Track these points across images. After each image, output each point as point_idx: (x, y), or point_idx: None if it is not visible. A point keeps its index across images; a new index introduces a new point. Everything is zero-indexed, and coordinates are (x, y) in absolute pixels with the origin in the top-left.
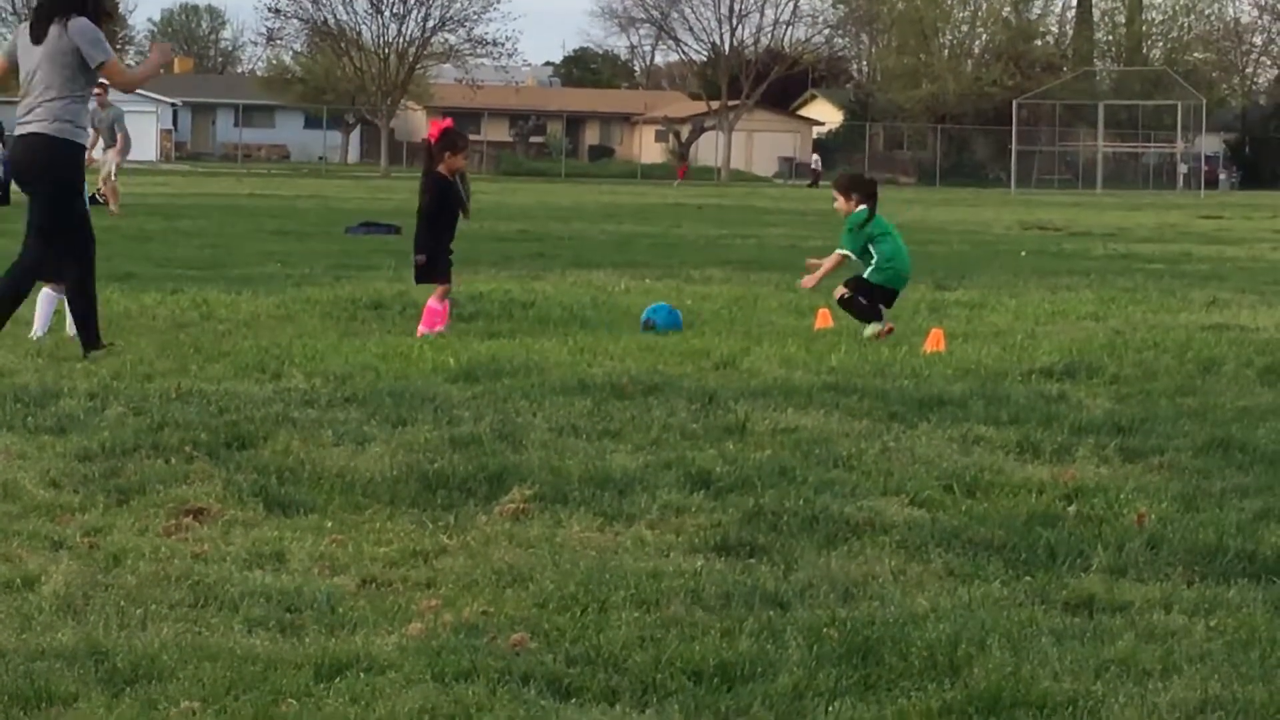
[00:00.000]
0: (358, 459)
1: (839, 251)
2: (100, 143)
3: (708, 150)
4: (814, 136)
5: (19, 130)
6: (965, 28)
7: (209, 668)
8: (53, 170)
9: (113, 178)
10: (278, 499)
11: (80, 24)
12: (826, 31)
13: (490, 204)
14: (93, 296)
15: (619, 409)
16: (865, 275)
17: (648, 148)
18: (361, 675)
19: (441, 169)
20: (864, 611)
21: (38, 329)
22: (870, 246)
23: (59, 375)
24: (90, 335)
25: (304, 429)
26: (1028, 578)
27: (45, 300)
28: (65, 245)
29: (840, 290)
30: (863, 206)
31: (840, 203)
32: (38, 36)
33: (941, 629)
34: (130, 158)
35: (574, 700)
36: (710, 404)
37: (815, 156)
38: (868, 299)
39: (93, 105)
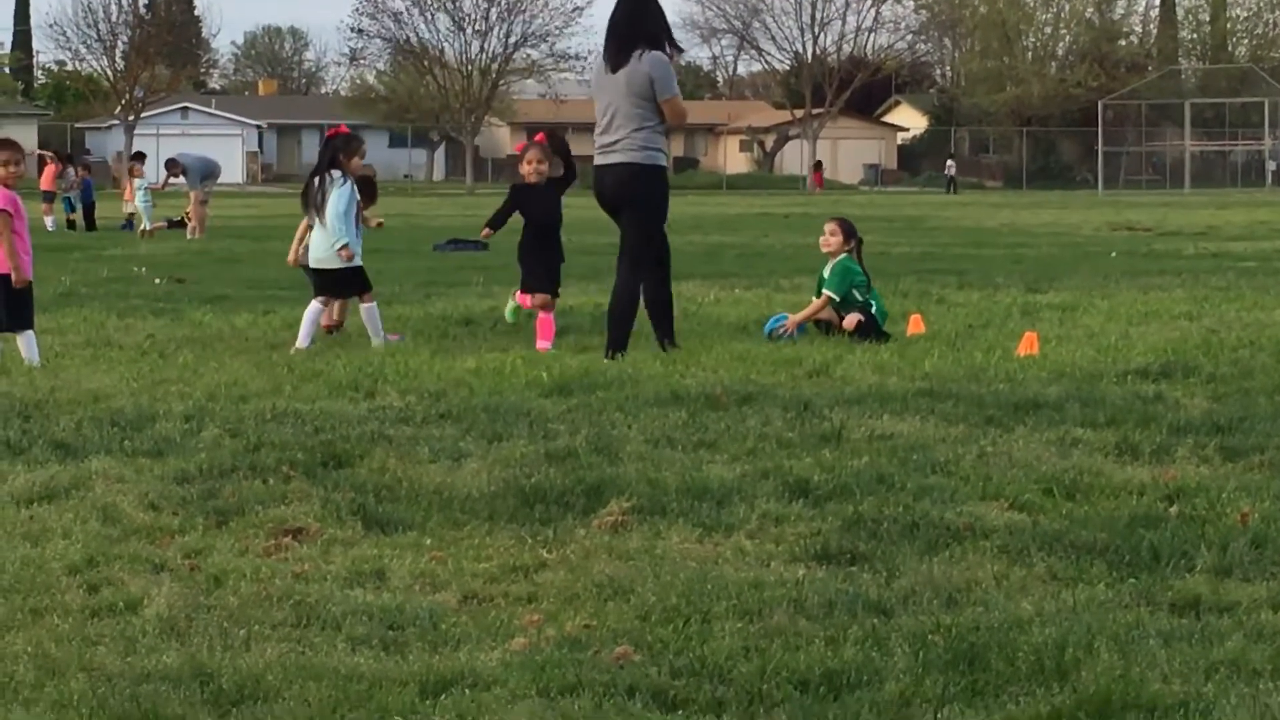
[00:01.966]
0: (455, 475)
1: (827, 293)
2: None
3: (792, 159)
4: (899, 143)
5: (604, 160)
6: (1049, 29)
7: (314, 687)
8: (645, 197)
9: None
10: (376, 517)
11: (655, 57)
12: (909, 37)
13: (576, 218)
14: (670, 299)
15: (714, 419)
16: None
17: (732, 158)
18: (467, 692)
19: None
20: (968, 617)
21: (302, 340)
22: (856, 293)
23: (154, 398)
24: (668, 333)
25: (400, 446)
26: (1132, 580)
27: (309, 314)
28: (648, 259)
29: (855, 319)
30: (851, 252)
31: (835, 241)
32: (615, 65)
33: (1047, 633)
34: (218, 181)
35: (680, 712)
36: (805, 412)
37: (950, 163)
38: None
39: None
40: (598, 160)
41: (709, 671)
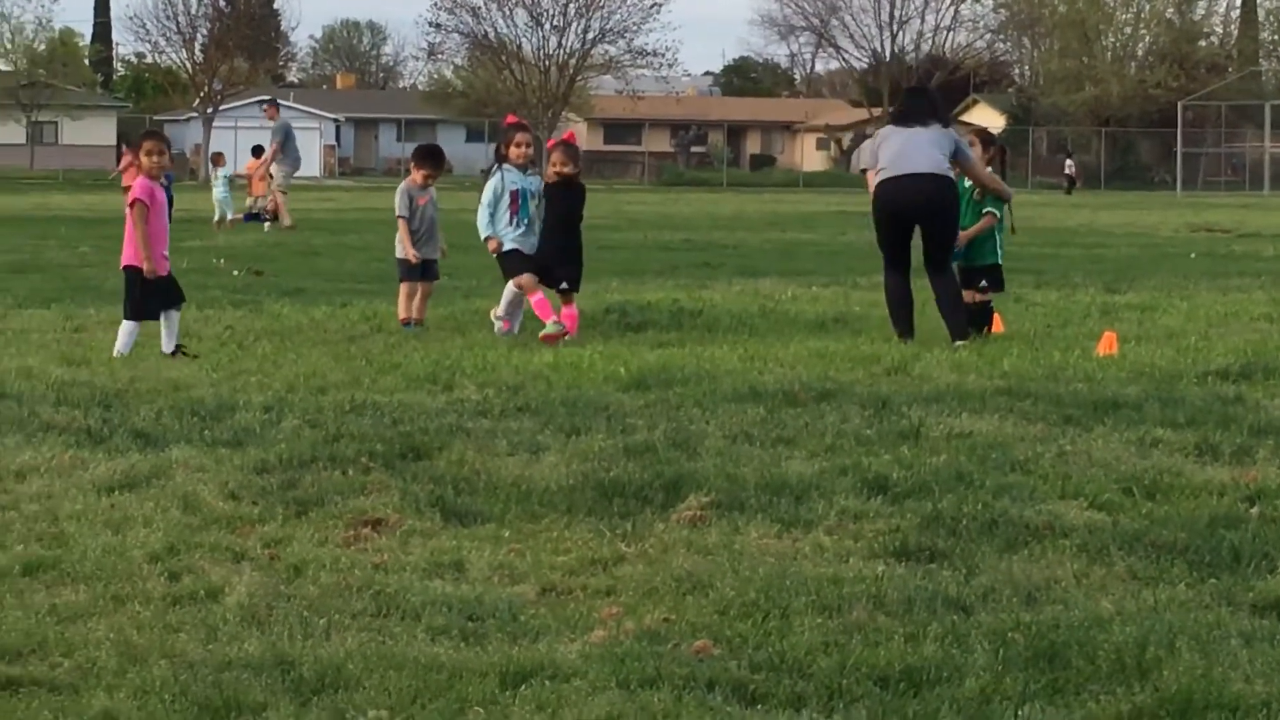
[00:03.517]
0: (533, 468)
1: (989, 211)
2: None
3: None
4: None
5: (917, 170)
6: (1128, 29)
7: (394, 676)
8: (954, 210)
9: (275, 191)
10: (455, 509)
11: (950, 133)
12: (988, 36)
13: (653, 214)
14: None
15: (792, 416)
16: (1000, 260)
17: (809, 156)
18: (546, 683)
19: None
20: (1048, 615)
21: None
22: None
23: (234, 389)
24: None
25: (478, 439)
26: (1213, 580)
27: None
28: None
29: (976, 295)
30: (993, 162)
31: (975, 153)
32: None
33: (1128, 632)
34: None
35: (760, 706)
36: (884, 410)
37: (1069, 161)
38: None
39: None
40: (906, 170)
41: (788, 666)
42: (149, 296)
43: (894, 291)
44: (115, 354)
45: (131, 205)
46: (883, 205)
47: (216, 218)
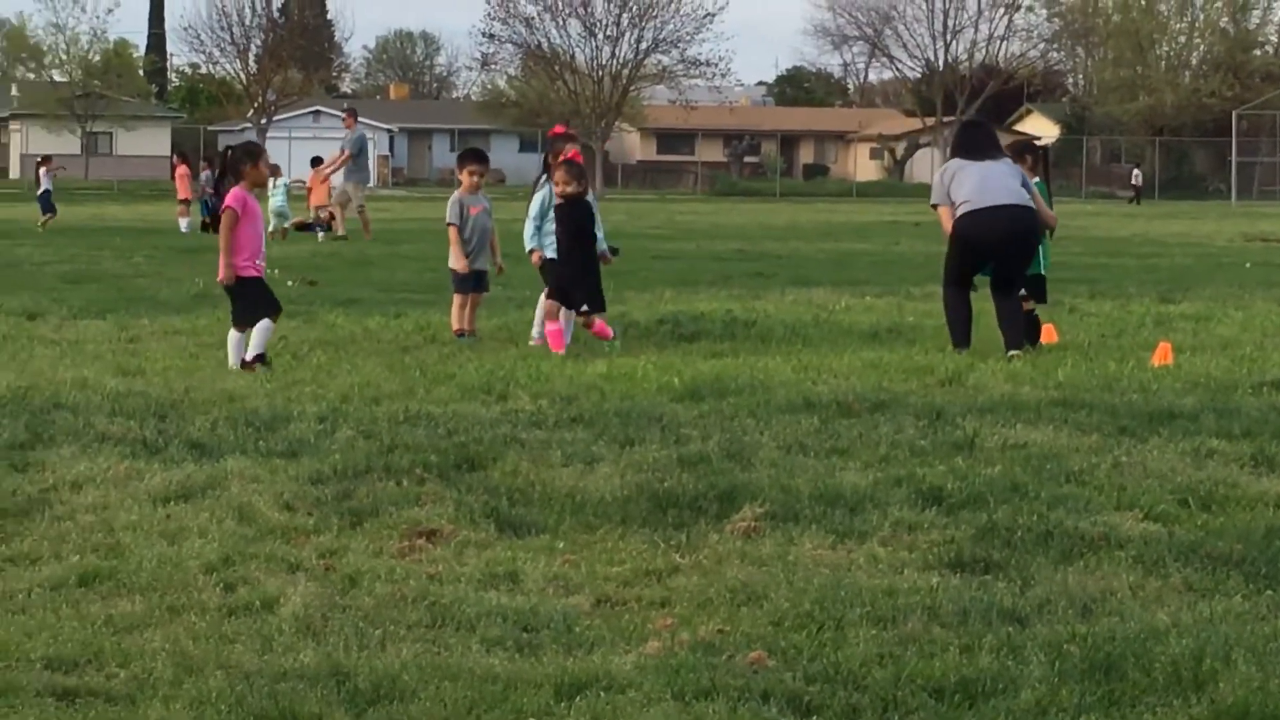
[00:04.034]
0: (587, 479)
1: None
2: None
3: (923, 167)
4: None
5: (1002, 202)
6: (1182, 39)
7: (450, 687)
8: (1035, 241)
9: (356, 206)
10: (509, 520)
11: (1018, 167)
12: (1042, 46)
13: (706, 224)
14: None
15: (846, 426)
16: (1043, 272)
17: (862, 166)
18: (602, 694)
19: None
20: (1104, 627)
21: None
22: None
23: (288, 399)
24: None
25: (532, 450)
26: (1269, 591)
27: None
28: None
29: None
30: (1033, 169)
31: (1028, 164)
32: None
33: (1184, 644)
34: (337, 183)
35: (815, 718)
36: (938, 420)
37: (1136, 171)
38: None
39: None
40: (991, 203)
41: (843, 678)
42: (251, 303)
43: (954, 303)
44: (231, 366)
45: (222, 212)
46: (968, 238)
47: (272, 228)
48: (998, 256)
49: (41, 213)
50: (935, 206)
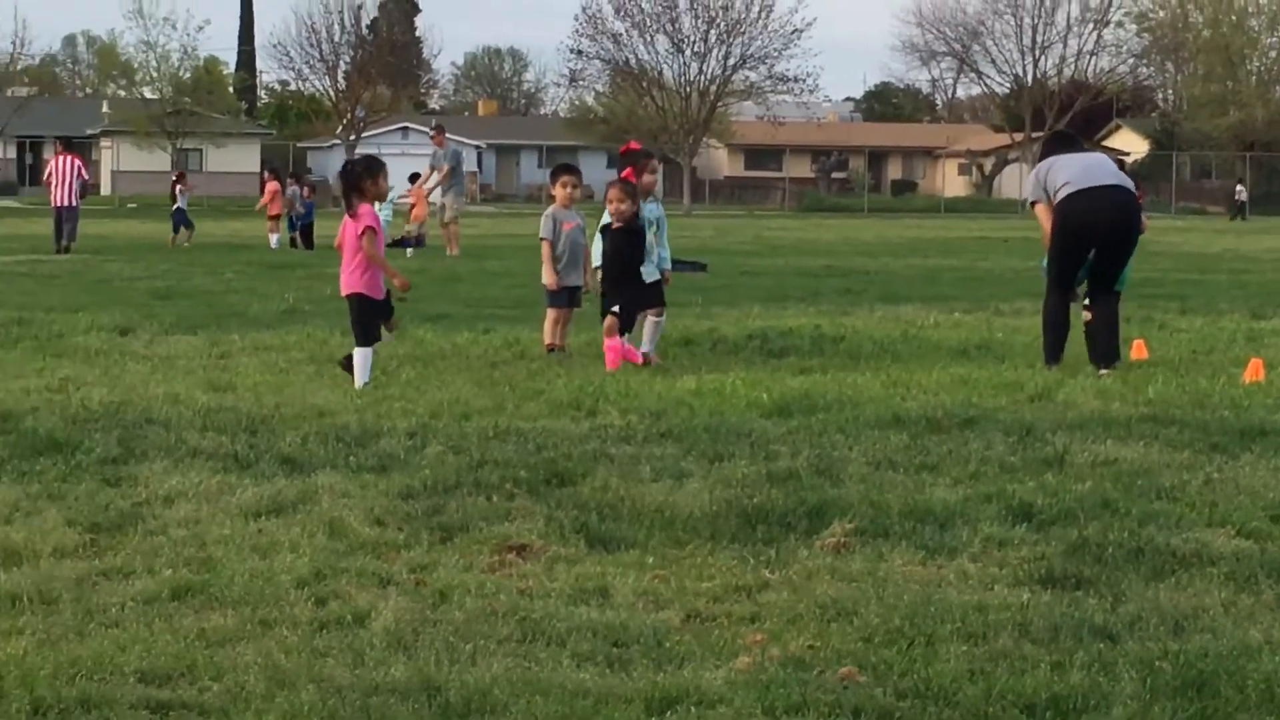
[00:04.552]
0: (676, 494)
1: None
2: (440, 185)
3: (1011, 183)
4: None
5: (1105, 183)
6: (1273, 53)
7: (540, 702)
8: (1138, 225)
9: (450, 220)
10: (599, 535)
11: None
12: (1131, 61)
13: (794, 240)
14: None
15: (935, 442)
16: (1120, 287)
17: (951, 181)
18: (692, 709)
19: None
20: (1196, 644)
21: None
22: None
23: (378, 415)
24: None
25: (622, 465)
26: None
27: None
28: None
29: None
30: None
31: None
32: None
33: (1277, 661)
34: (433, 199)
35: None
36: (1028, 436)
37: (1240, 187)
38: None
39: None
40: (1097, 182)
41: (934, 694)
42: (375, 320)
43: (1054, 313)
44: (358, 386)
45: (363, 233)
46: (1074, 218)
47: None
48: (1101, 242)
49: (174, 230)
50: (1033, 204)
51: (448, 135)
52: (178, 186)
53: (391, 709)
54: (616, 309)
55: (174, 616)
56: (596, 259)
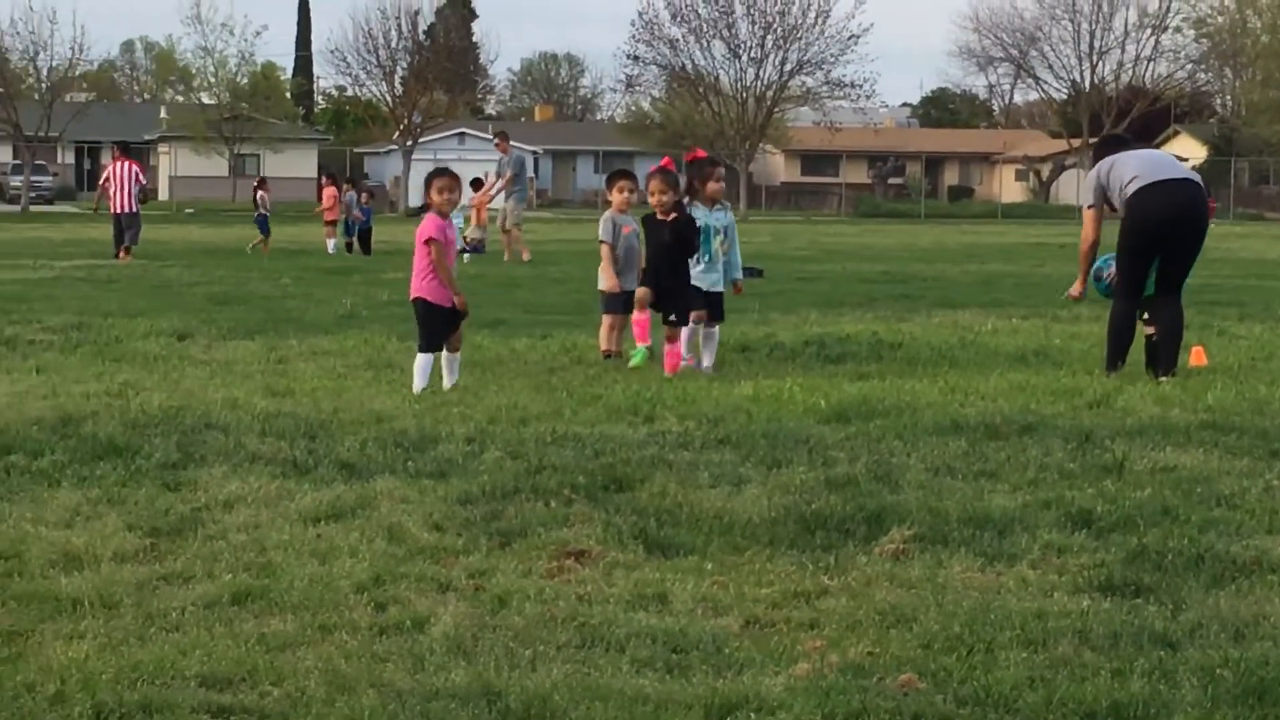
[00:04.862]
0: (735, 500)
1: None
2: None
3: (1068, 189)
4: None
5: (1174, 176)
6: None
7: (600, 708)
8: (1206, 221)
9: (511, 226)
10: (657, 541)
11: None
12: (1189, 67)
13: (851, 245)
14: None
15: (994, 449)
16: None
17: (1008, 187)
18: (752, 716)
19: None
20: (1257, 652)
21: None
22: None
23: (436, 420)
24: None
25: (680, 471)
26: None
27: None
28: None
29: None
30: None
31: None
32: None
33: None
34: (495, 205)
35: None
36: (1086, 443)
37: None
38: None
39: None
40: (1166, 176)
41: (994, 701)
42: (438, 328)
43: (1121, 319)
44: (416, 390)
45: (426, 244)
46: (1141, 215)
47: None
48: (1171, 238)
49: (260, 234)
50: (1088, 208)
51: (512, 143)
52: (259, 193)
53: (452, 714)
54: (674, 318)
55: (234, 621)
56: None
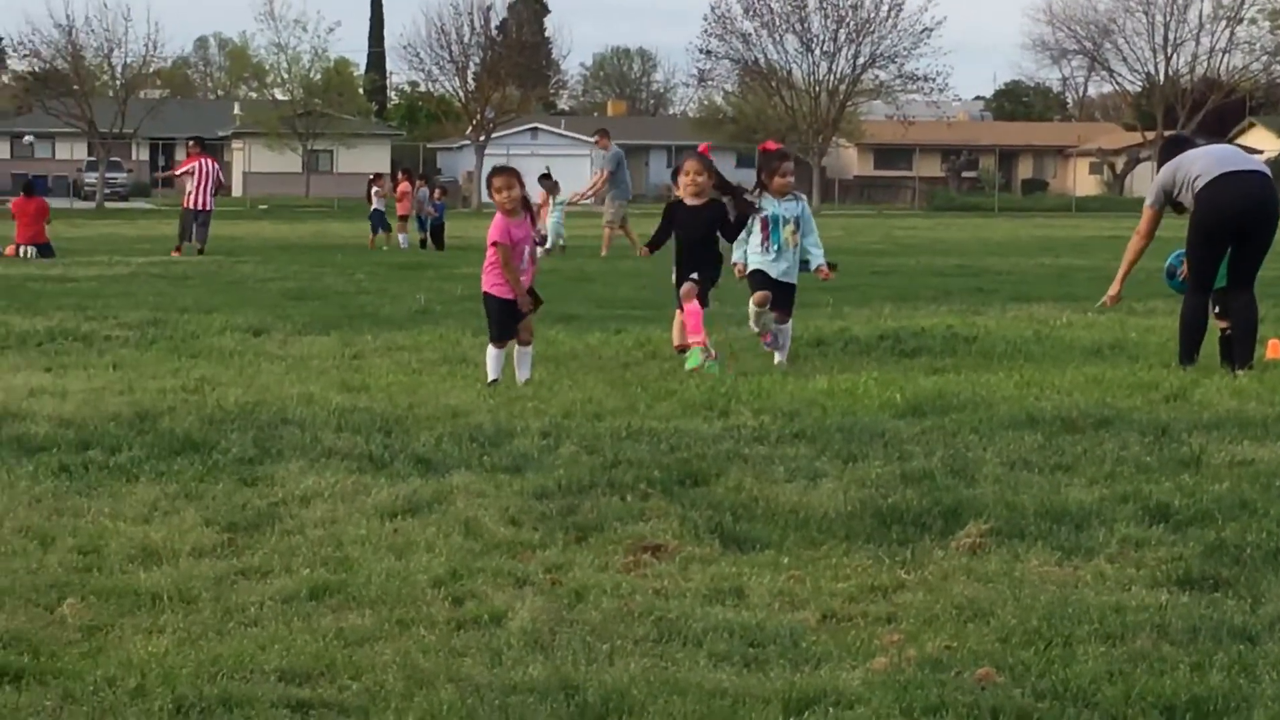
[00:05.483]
0: (810, 495)
1: None
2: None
3: (1143, 182)
4: None
5: (1243, 168)
6: None
7: (678, 702)
8: (1277, 215)
9: (610, 222)
10: (733, 535)
11: None
12: (1265, 58)
13: (925, 239)
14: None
15: (1070, 443)
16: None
17: (1082, 180)
18: (830, 710)
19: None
20: None
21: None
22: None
23: (511, 415)
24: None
25: (755, 465)
26: None
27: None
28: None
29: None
30: None
31: None
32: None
33: None
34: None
35: None
36: (1163, 437)
37: None
38: None
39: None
40: (1235, 168)
41: (1072, 695)
42: (505, 320)
43: (1193, 314)
44: (489, 382)
45: (492, 245)
46: (1215, 206)
47: (549, 245)
48: (1242, 231)
49: (371, 231)
50: (1149, 207)
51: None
52: (374, 188)
53: (530, 708)
54: (695, 275)
55: (312, 616)
56: (736, 254)
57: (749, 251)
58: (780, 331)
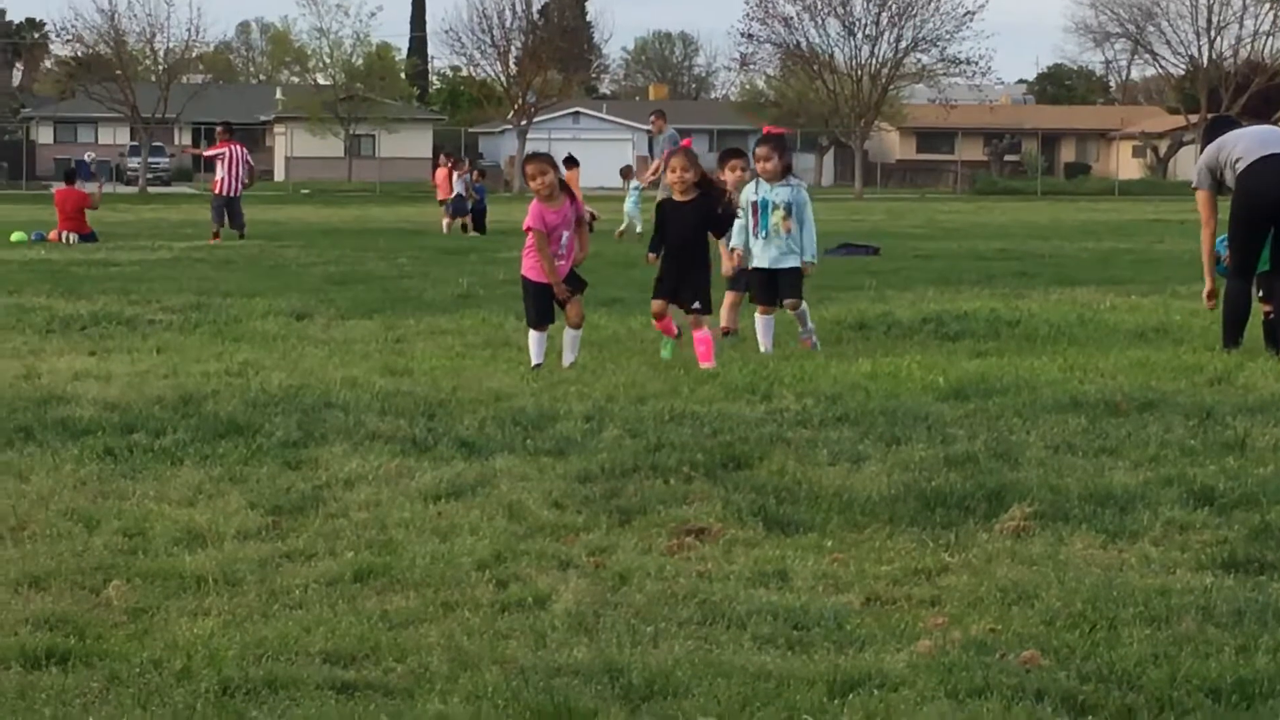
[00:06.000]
0: (854, 478)
1: None
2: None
3: (1186, 165)
4: None
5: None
6: None
7: (723, 684)
8: None
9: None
10: (777, 518)
11: None
12: None
13: (967, 223)
14: None
15: (1114, 426)
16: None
17: (1125, 164)
18: (875, 692)
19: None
20: None
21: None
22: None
23: (554, 398)
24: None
25: (798, 449)
26: None
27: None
28: None
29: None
30: None
31: None
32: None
33: None
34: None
35: (1090, 717)
36: (1208, 420)
37: None
38: None
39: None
40: (1275, 150)
41: (1117, 677)
42: (543, 304)
43: (1236, 298)
44: (532, 366)
45: (527, 231)
46: (1250, 193)
47: (623, 227)
48: (1276, 217)
49: (451, 216)
50: (1195, 190)
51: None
52: (455, 174)
53: (575, 690)
54: (697, 305)
55: (357, 598)
56: (737, 239)
57: (749, 238)
58: (800, 317)
